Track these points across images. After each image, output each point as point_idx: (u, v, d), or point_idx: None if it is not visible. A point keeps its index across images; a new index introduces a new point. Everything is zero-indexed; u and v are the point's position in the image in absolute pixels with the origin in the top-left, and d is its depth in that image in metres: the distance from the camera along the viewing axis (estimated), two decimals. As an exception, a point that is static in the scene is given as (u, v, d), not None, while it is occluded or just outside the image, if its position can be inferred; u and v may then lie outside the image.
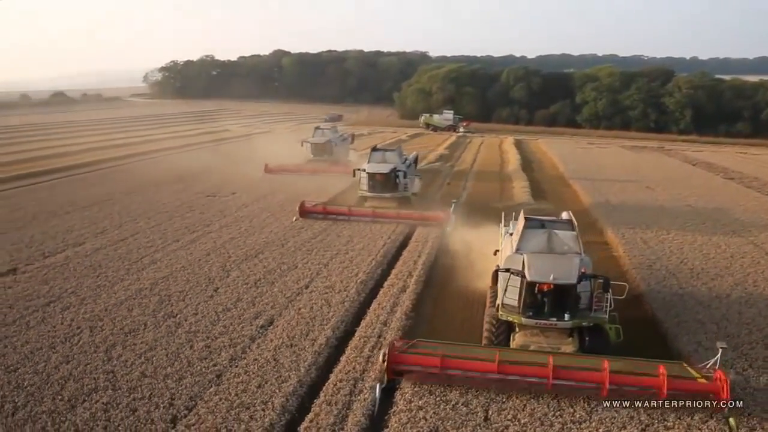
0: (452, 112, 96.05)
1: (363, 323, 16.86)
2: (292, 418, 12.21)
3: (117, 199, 32.79)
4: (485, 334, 14.95)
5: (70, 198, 32.74)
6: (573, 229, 16.07)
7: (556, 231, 15.95)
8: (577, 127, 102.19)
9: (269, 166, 40.84)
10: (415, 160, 36.13)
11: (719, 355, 12.78)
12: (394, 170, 29.86)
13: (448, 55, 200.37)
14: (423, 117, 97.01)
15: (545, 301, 14.37)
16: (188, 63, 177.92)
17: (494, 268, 15.26)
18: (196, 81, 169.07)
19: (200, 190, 35.45)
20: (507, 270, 14.73)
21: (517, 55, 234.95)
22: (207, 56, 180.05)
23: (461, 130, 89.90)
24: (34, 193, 34.69)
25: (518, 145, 71.54)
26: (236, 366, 14.13)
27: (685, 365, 13.24)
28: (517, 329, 14.83)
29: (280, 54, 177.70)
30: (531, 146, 72.31)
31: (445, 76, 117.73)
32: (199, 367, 13.98)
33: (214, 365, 14.13)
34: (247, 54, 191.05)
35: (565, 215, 20.95)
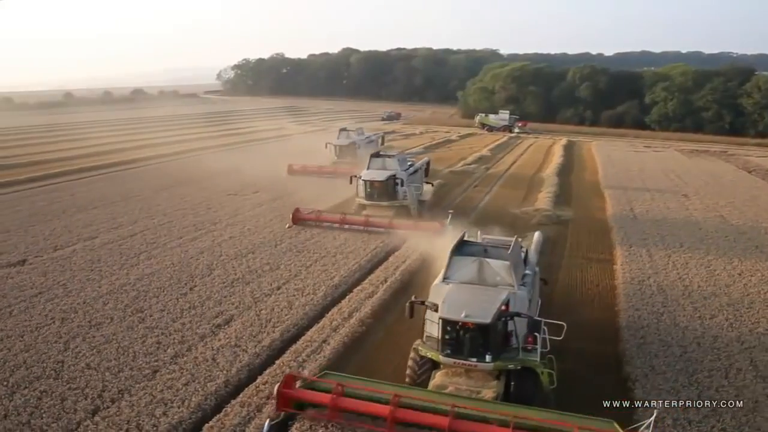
0: (508, 112, 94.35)
1: (314, 328, 17.19)
2: (204, 417, 12.75)
3: (144, 196, 34.66)
4: (407, 371, 13.73)
5: (102, 194, 34.93)
6: (507, 258, 14.20)
7: (488, 260, 14.19)
8: (644, 129, 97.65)
9: (293, 166, 41.76)
10: (426, 167, 35.56)
11: (653, 418, 11.12)
12: (393, 177, 28.90)
13: (520, 53, 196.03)
14: (478, 117, 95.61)
15: (466, 338, 12.85)
16: (260, 61, 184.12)
17: (409, 299, 14.08)
18: (266, 79, 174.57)
19: (225, 188, 36.80)
20: (422, 303, 13.67)
21: (594, 53, 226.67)
22: (277, 54, 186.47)
23: (516, 130, 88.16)
24: (74, 188, 37.14)
25: (569, 147, 69.35)
26: (175, 363, 14.84)
27: (616, 426, 11.00)
28: (441, 367, 13.47)
29: (348, 52, 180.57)
30: (582, 149, 69.88)
31: (507, 75, 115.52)
32: (140, 362, 14.80)
33: (156, 361, 14.91)
34: (316, 52, 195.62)
35: (537, 235, 20.40)
